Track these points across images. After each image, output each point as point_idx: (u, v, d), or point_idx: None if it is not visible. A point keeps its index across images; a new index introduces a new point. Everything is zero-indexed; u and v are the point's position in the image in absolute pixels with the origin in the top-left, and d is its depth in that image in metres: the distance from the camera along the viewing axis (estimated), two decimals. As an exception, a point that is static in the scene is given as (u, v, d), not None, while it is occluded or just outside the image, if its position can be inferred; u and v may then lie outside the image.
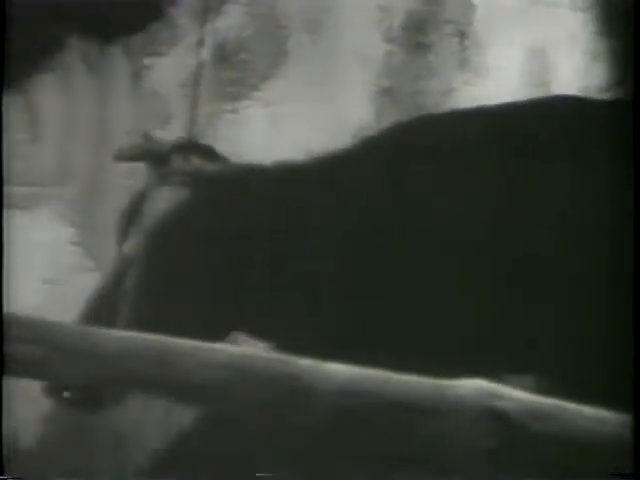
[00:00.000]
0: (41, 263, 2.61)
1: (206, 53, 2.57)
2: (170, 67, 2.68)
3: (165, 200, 2.27)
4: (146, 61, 2.71)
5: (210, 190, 2.23)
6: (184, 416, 2.30)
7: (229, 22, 2.51)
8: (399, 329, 2.06)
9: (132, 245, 2.25)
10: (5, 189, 2.94)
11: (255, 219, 2.17)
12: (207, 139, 2.58)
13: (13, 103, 3.08)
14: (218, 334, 2.13)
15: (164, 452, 2.33)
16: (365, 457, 1.96)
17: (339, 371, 1.67)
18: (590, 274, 1.98)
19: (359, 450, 1.87)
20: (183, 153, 2.26)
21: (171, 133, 2.69)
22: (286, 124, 2.43)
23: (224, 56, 2.56)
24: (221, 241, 2.18)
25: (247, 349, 1.71)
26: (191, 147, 2.30)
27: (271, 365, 1.70)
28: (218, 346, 1.72)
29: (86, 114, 3.17)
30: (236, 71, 2.54)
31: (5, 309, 1.80)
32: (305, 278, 2.11)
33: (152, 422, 2.35)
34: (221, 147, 2.38)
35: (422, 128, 2.16)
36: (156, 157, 2.27)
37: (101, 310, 2.17)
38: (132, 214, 2.31)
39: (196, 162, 2.26)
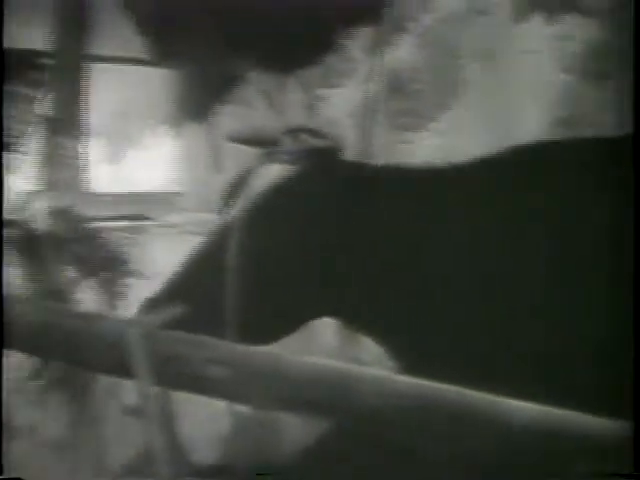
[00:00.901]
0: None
1: (379, 84, 2.61)
2: (344, 98, 2.73)
3: (270, 176, 2.32)
4: (321, 92, 2.77)
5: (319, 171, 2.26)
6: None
7: (402, 53, 2.53)
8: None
9: (233, 215, 2.29)
10: (188, 216, 3.08)
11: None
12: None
13: (196, 135, 3.22)
14: (309, 316, 2.20)
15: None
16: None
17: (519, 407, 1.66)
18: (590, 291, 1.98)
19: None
20: (293, 135, 2.30)
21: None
22: (460, 154, 2.43)
23: (397, 87, 2.59)
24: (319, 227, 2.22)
25: (422, 381, 1.72)
26: (301, 129, 2.33)
27: (445, 396, 1.70)
28: (396, 377, 1.74)
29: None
30: (410, 101, 2.56)
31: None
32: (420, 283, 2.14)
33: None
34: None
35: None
36: (267, 140, 2.33)
37: (200, 273, 2.26)
38: (236, 187, 2.36)
39: (304, 139, 2.30)
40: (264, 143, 2.32)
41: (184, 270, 2.22)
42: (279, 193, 2.31)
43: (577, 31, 2.42)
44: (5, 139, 3.45)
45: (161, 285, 2.17)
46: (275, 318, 2.16)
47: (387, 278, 2.20)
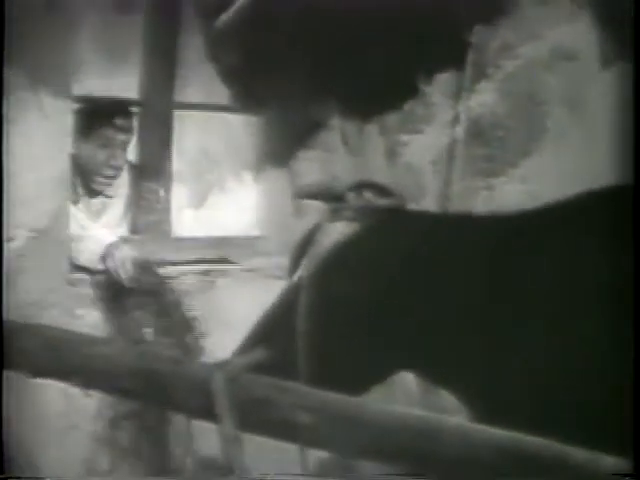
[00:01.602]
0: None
1: (460, 130, 2.61)
2: (425, 144, 2.74)
3: (336, 233, 2.33)
4: (401, 138, 2.79)
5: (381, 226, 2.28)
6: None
7: (484, 99, 2.53)
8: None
9: (301, 275, 2.33)
10: (270, 260, 3.11)
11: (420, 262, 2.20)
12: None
13: (277, 180, 3.26)
14: (383, 371, 2.18)
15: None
16: None
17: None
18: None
19: None
20: (358, 190, 2.31)
21: (424, 208, 2.75)
22: (541, 200, 2.42)
23: (479, 133, 2.59)
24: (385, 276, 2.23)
25: (512, 433, 1.71)
26: (366, 185, 2.34)
27: (537, 450, 1.69)
28: (482, 427, 1.73)
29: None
30: (491, 148, 2.56)
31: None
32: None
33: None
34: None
35: None
36: (332, 195, 2.36)
37: (269, 336, 2.26)
38: (304, 246, 2.39)
39: (369, 197, 2.31)
40: (330, 199, 2.36)
41: (265, 319, 2.26)
42: (346, 249, 2.33)
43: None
44: (94, 185, 3.56)
45: (247, 331, 2.20)
46: (350, 373, 2.16)
47: (459, 329, 2.21)
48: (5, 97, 2.80)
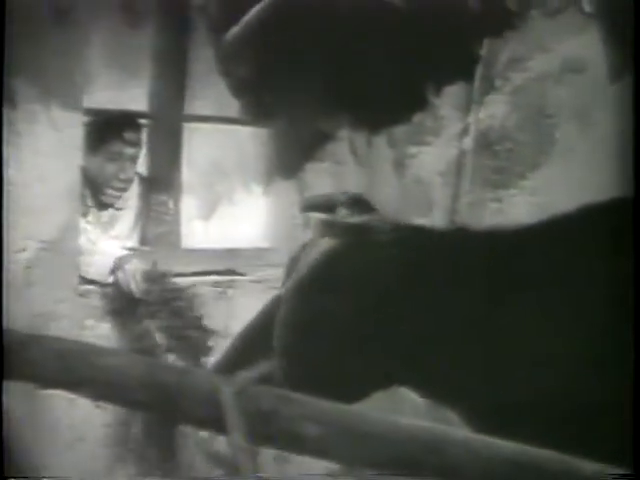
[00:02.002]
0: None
1: (469, 142, 2.61)
2: (433, 156, 2.74)
3: (322, 249, 2.36)
4: (410, 150, 2.79)
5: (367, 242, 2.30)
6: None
7: (493, 112, 2.54)
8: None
9: (285, 287, 2.41)
10: (278, 271, 3.11)
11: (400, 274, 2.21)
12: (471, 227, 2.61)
13: (285, 192, 3.27)
14: (365, 384, 2.19)
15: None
16: None
17: None
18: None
19: None
20: (349, 206, 2.34)
21: (433, 220, 2.76)
22: (551, 212, 2.41)
23: (488, 145, 2.59)
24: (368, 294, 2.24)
25: (518, 445, 1.71)
26: (354, 201, 2.36)
27: (544, 462, 1.69)
28: (491, 440, 1.73)
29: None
30: (500, 160, 2.56)
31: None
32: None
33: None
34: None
35: None
36: (326, 208, 2.39)
37: (249, 345, 2.31)
38: (295, 260, 2.42)
39: (346, 213, 2.34)
40: (327, 210, 2.40)
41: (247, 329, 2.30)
42: (327, 265, 2.36)
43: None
44: (104, 197, 3.57)
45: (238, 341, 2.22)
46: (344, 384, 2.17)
47: (451, 344, 2.22)
48: (15, 109, 2.81)
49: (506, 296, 2.24)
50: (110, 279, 3.25)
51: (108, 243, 3.42)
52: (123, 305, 3.21)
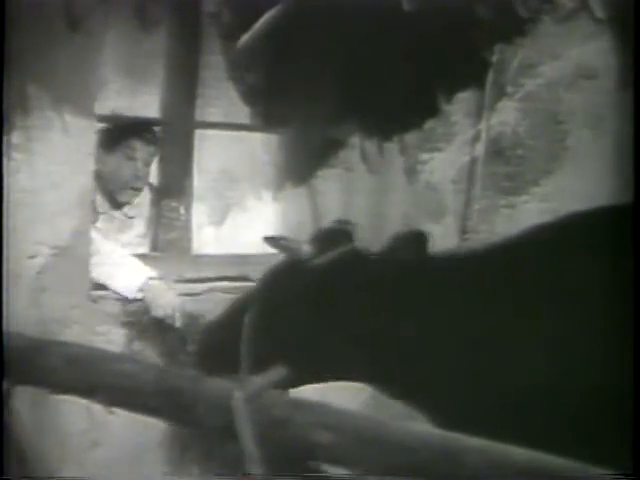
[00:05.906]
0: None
1: (481, 149, 2.62)
2: (445, 162, 2.74)
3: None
4: (421, 157, 2.79)
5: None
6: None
7: (504, 118, 2.54)
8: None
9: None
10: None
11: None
12: (482, 233, 2.62)
13: (296, 197, 3.28)
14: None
15: None
16: None
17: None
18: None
19: None
20: (323, 240, 2.43)
21: (445, 227, 2.76)
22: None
23: (499, 151, 2.60)
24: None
25: (533, 452, 1.71)
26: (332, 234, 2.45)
27: (558, 469, 1.68)
28: (506, 447, 1.73)
29: (363, 206, 3.30)
30: (512, 166, 2.56)
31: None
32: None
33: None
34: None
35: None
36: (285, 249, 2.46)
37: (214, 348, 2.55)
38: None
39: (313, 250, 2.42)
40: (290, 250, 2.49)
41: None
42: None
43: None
44: (119, 197, 3.57)
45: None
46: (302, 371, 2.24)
47: (417, 344, 2.25)
48: (28, 116, 2.83)
49: (504, 296, 2.25)
50: (138, 296, 3.21)
51: (119, 249, 3.41)
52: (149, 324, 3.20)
